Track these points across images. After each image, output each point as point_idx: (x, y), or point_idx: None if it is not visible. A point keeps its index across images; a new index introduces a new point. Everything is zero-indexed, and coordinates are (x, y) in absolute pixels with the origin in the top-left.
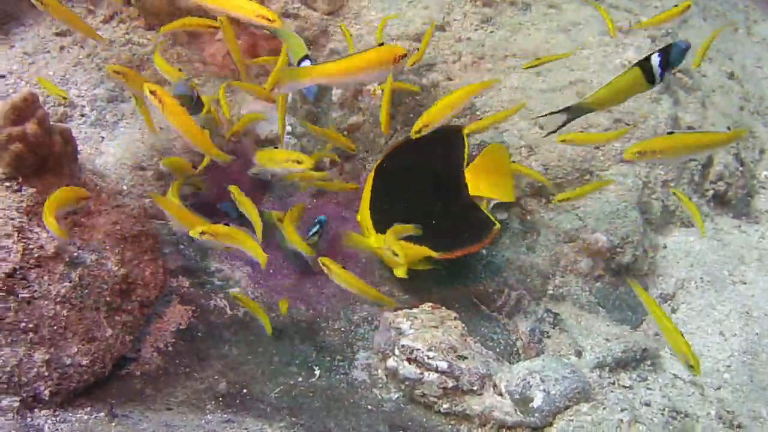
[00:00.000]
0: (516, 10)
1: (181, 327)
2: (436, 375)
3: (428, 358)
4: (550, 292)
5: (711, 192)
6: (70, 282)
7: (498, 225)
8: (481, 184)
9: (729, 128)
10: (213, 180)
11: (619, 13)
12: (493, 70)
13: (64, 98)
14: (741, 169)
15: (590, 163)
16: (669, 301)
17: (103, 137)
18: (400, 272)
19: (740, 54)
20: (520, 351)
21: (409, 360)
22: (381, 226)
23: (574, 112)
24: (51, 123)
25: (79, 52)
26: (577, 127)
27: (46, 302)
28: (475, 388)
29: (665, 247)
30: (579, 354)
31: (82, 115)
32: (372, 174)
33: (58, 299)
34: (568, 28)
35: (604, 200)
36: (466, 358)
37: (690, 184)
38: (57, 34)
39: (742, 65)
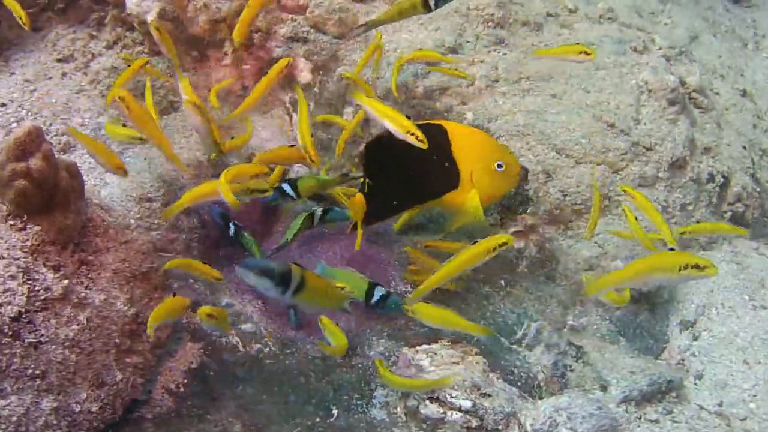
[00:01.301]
0: (528, 30)
1: (192, 366)
2: (459, 414)
3: (451, 396)
4: (570, 322)
5: (729, 214)
6: (78, 324)
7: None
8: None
9: (745, 147)
10: (224, 206)
11: (632, 31)
12: (508, 93)
13: (141, 139)
14: (758, 189)
15: (609, 189)
16: (690, 328)
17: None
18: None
19: (750, 70)
20: (542, 384)
21: (430, 399)
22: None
23: (368, 26)
24: (56, 157)
25: (81, 78)
26: (596, 151)
27: (53, 347)
28: (500, 427)
29: None
30: (604, 388)
31: None
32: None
33: (66, 343)
34: None
35: (624, 226)
36: (490, 395)
37: (708, 207)
38: (58, 60)
39: (753, 81)
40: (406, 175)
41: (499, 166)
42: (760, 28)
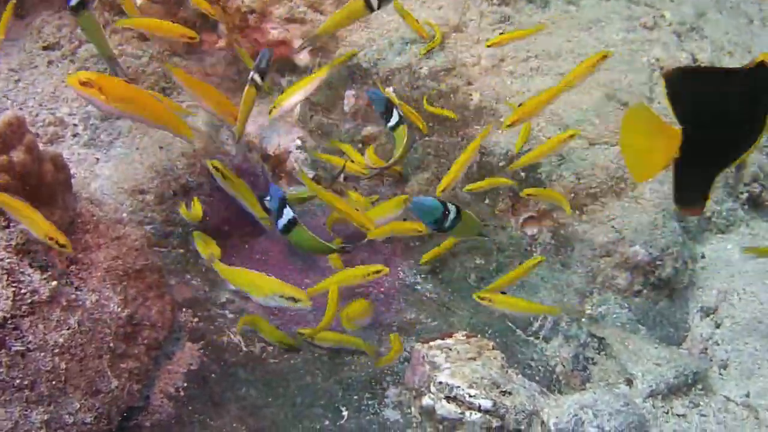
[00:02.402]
0: (534, 7)
1: (192, 368)
2: (478, 415)
3: (469, 396)
4: (589, 311)
5: (745, 195)
6: (69, 329)
7: None
8: None
9: None
10: (219, 201)
11: (641, 8)
12: (515, 72)
13: None
14: None
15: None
16: (712, 315)
17: (98, 159)
18: None
19: (758, 47)
20: (561, 378)
21: (447, 398)
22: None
23: (311, 40)
24: (41, 149)
25: (69, 66)
26: (610, 132)
27: (42, 354)
28: (522, 427)
29: (703, 256)
30: (629, 382)
31: (75, 135)
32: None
33: (56, 350)
34: (589, 26)
35: (641, 210)
36: (510, 393)
37: (725, 188)
38: (44, 48)
39: None
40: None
41: None
42: (766, 4)
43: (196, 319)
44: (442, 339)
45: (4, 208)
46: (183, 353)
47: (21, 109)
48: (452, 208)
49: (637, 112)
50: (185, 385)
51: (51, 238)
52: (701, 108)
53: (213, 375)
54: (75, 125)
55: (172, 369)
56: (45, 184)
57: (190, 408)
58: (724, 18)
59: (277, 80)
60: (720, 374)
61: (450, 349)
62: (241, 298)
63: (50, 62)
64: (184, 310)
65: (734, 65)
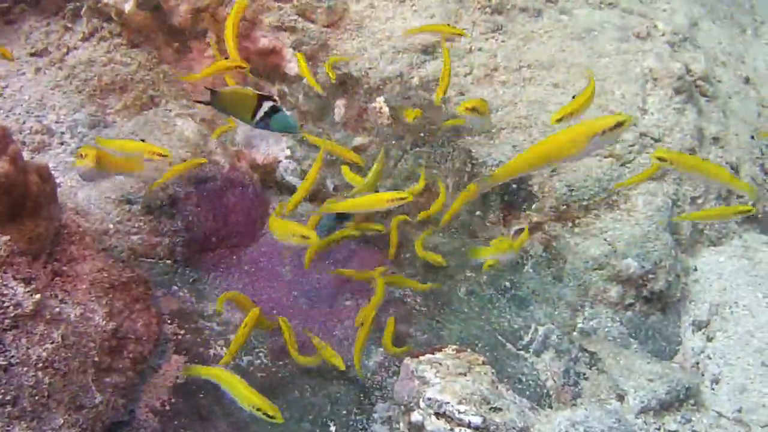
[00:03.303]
0: (527, 17)
1: (178, 381)
2: (468, 431)
3: (459, 412)
4: (580, 325)
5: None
6: (53, 343)
7: None
8: None
9: (753, 137)
10: (207, 212)
11: (634, 18)
12: (508, 82)
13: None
14: (767, 180)
15: (617, 182)
16: (704, 329)
17: None
18: None
19: (751, 56)
20: (551, 392)
21: (437, 414)
22: None
23: None
24: (26, 160)
25: (56, 73)
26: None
27: (25, 369)
28: None
29: (695, 269)
30: (621, 398)
31: (62, 143)
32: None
33: (39, 364)
34: (582, 36)
35: (634, 222)
36: (500, 410)
37: (718, 199)
38: (32, 55)
39: (755, 68)
40: None
41: None
42: (759, 13)
43: (182, 332)
44: (432, 353)
45: None
46: (169, 366)
47: (8, 116)
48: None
49: None
50: (171, 398)
51: None
52: None
53: (200, 388)
54: (62, 133)
55: (158, 383)
56: (30, 196)
57: (176, 423)
58: (717, 28)
59: (268, 89)
60: (712, 389)
61: (440, 364)
62: (228, 310)
63: (38, 69)
64: (170, 322)
65: (728, 75)
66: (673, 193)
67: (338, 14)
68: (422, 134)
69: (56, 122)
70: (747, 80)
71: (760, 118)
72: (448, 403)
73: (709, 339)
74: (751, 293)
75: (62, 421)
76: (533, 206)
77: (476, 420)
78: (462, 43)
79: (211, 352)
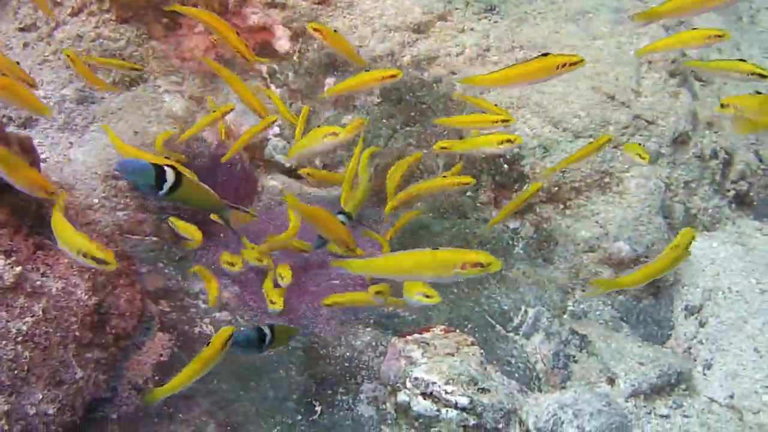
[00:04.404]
0: None
1: (162, 359)
2: (455, 412)
3: (446, 392)
4: (571, 308)
5: (732, 192)
6: (33, 316)
7: None
8: None
9: None
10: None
11: (630, 1)
12: (500, 63)
13: None
14: (762, 167)
15: (609, 165)
16: (696, 314)
17: (71, 143)
18: None
19: (746, 43)
20: (541, 375)
21: (423, 395)
22: None
23: None
24: (8, 132)
25: (44, 48)
26: (595, 125)
27: (4, 342)
28: (500, 426)
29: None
30: (612, 381)
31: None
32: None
33: (19, 338)
34: (576, 17)
35: (626, 205)
36: (488, 391)
37: (712, 184)
38: (20, 30)
39: (749, 55)
40: None
41: None
42: (755, 1)
43: (168, 309)
44: (420, 333)
45: None
46: (153, 343)
47: None
48: (170, 172)
49: None
50: (154, 376)
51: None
52: None
53: (183, 366)
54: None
55: (141, 360)
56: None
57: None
58: (713, 14)
59: (258, 66)
60: (704, 374)
61: (427, 344)
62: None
63: (26, 44)
64: (155, 299)
65: (722, 61)
66: (666, 176)
67: None
68: (412, 113)
69: (44, 97)
70: None
71: None
72: (435, 383)
73: (702, 324)
74: (745, 279)
75: (41, 396)
76: (525, 187)
77: (463, 401)
78: (454, 22)
79: (197, 330)
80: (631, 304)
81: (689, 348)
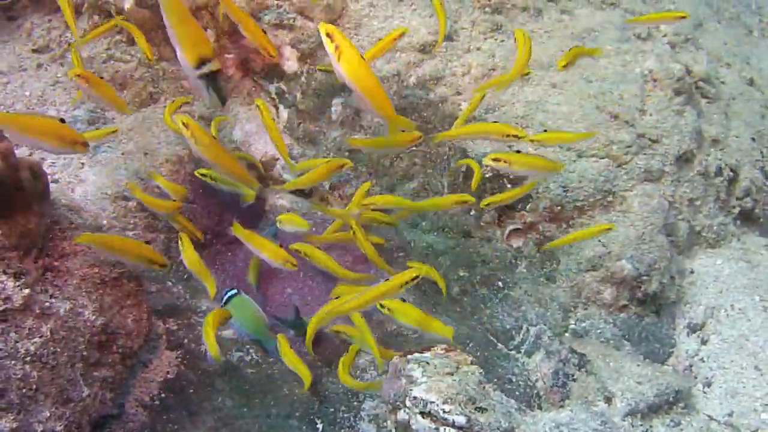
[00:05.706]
0: (528, 16)
1: (168, 376)
2: (453, 431)
3: (444, 411)
4: (572, 326)
5: (737, 209)
6: (41, 337)
7: None
8: None
9: (753, 139)
10: (202, 209)
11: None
12: None
13: None
14: (767, 183)
15: (612, 183)
16: (698, 332)
17: (83, 163)
18: None
19: (756, 58)
20: (541, 394)
21: (422, 413)
22: None
23: None
24: (18, 157)
25: (57, 70)
26: (599, 144)
27: (13, 362)
28: None
29: (692, 272)
30: (608, 400)
31: None
32: None
33: (28, 358)
34: (583, 36)
35: (629, 223)
36: (485, 410)
37: (716, 202)
38: (34, 51)
39: (760, 69)
40: None
41: None
42: (766, 14)
43: (175, 327)
44: (420, 352)
45: None
46: (160, 361)
47: (9, 112)
48: None
49: None
50: (161, 393)
51: None
52: None
53: (189, 384)
54: None
55: (148, 377)
56: (20, 192)
57: (164, 417)
58: (722, 29)
59: (266, 86)
60: (704, 392)
61: (427, 363)
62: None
63: (39, 65)
64: (162, 317)
65: (732, 77)
66: (670, 194)
67: (337, 12)
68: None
69: (57, 117)
70: (751, 82)
71: (764, 120)
72: (434, 402)
73: (704, 342)
74: (748, 296)
75: (49, 414)
76: (528, 206)
77: (460, 419)
78: (460, 42)
79: (203, 347)
80: (633, 322)
81: (690, 366)
